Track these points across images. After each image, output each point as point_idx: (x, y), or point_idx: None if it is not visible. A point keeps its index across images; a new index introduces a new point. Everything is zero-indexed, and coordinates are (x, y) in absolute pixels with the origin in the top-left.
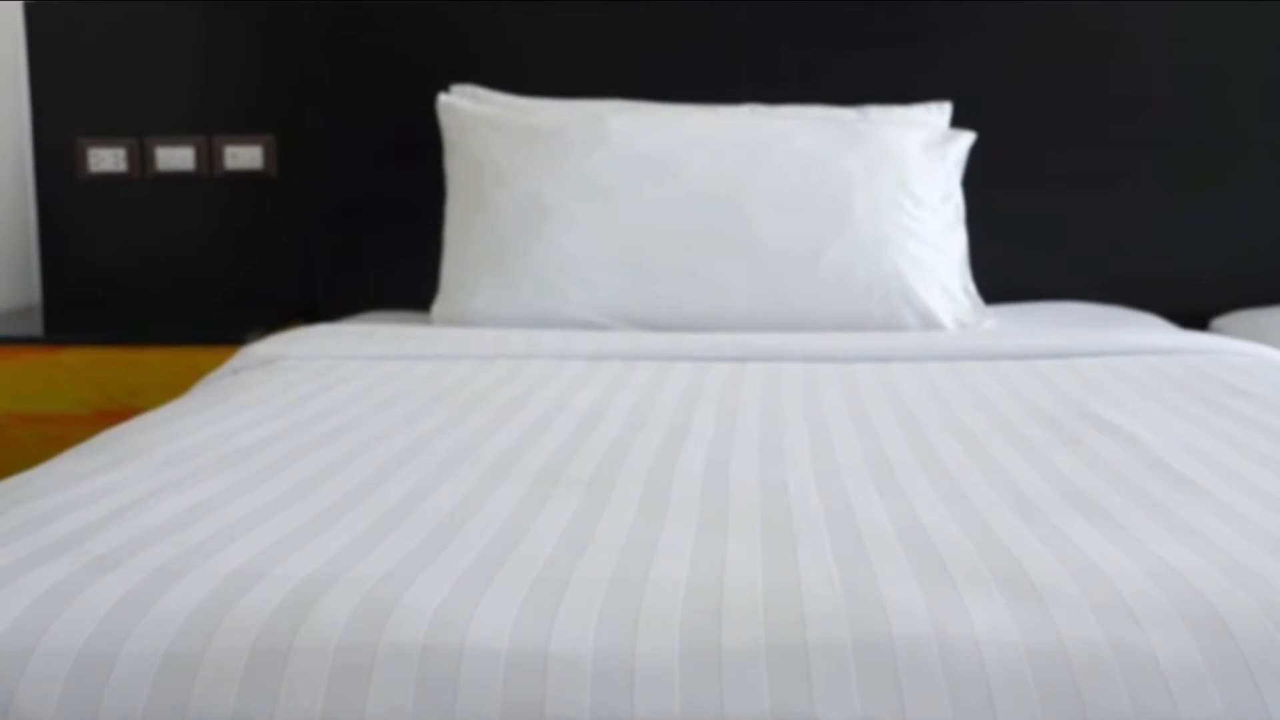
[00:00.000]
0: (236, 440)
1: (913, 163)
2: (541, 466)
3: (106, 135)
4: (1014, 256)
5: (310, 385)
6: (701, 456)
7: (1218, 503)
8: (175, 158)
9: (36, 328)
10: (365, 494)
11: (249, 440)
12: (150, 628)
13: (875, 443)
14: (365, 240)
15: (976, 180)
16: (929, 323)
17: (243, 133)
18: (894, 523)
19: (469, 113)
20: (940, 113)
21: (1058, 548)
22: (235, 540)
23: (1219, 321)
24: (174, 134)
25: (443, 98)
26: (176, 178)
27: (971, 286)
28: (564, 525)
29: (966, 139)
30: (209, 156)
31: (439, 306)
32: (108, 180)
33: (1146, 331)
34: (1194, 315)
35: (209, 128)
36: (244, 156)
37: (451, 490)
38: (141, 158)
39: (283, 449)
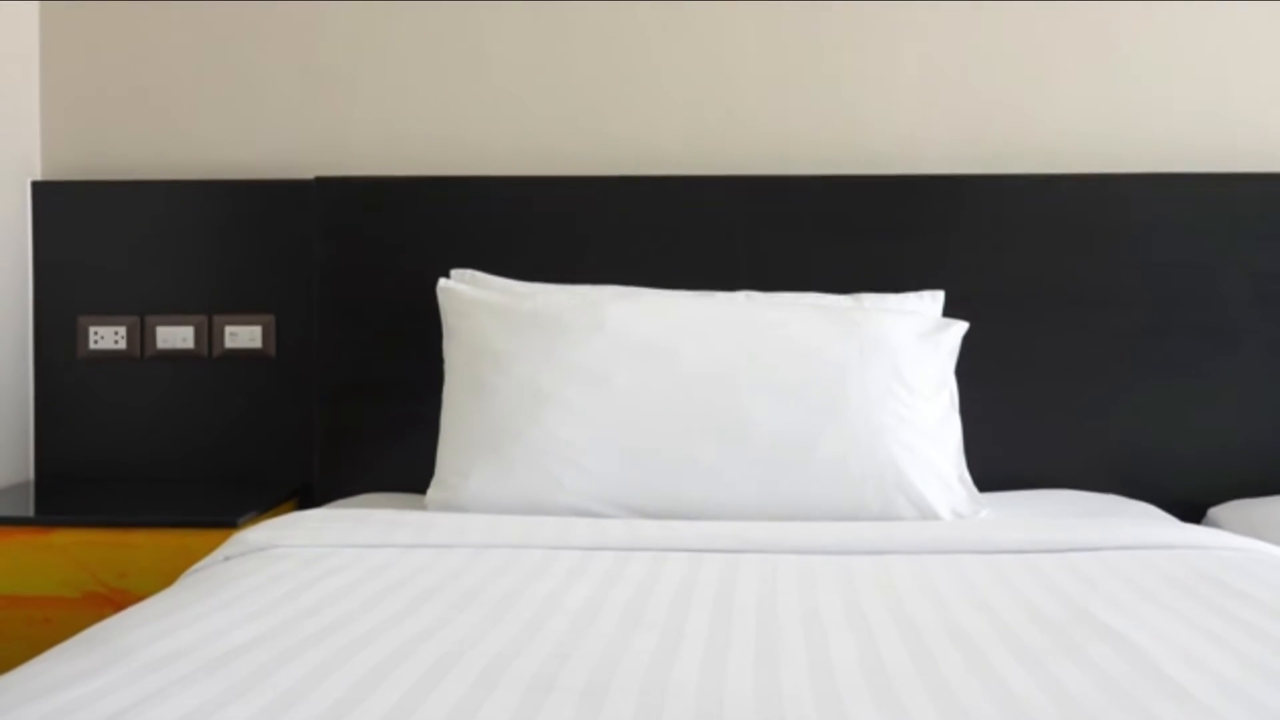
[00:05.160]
0: (224, 640)
1: (906, 352)
2: (533, 674)
3: (107, 313)
4: (1008, 445)
5: (301, 577)
6: (696, 664)
7: None
8: (175, 336)
9: (27, 508)
10: (352, 706)
11: (237, 641)
12: None
13: (873, 650)
14: (362, 421)
15: (970, 369)
16: (925, 513)
17: (243, 312)
18: None
19: (468, 298)
20: (933, 301)
21: None
22: None
23: (1215, 511)
24: (174, 313)
25: (442, 283)
26: (176, 356)
27: (967, 476)
28: None
29: (959, 328)
30: (209, 335)
31: (434, 491)
32: (107, 358)
33: (1144, 524)
34: (1190, 504)
35: (209, 307)
36: (243, 336)
37: (440, 701)
38: (141, 336)
39: (270, 651)
